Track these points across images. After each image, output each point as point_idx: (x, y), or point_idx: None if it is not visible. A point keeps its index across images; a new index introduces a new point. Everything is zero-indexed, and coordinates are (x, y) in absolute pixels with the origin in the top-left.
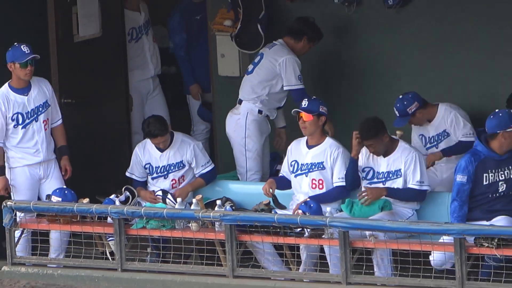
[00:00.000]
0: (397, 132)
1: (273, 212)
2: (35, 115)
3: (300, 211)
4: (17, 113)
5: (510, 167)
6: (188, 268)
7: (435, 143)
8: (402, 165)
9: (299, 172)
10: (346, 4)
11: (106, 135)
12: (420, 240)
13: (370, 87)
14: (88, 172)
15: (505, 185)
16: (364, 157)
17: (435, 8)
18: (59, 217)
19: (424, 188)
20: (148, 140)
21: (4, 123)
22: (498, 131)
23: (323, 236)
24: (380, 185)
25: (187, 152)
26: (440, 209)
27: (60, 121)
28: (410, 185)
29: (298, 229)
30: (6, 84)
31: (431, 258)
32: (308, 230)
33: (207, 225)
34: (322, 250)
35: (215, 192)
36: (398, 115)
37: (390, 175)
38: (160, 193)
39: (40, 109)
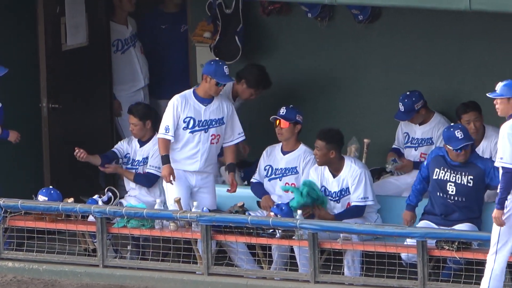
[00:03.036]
0: (365, 140)
1: (246, 214)
2: (206, 127)
3: (272, 213)
4: (191, 117)
5: (463, 174)
6: (165, 265)
7: (416, 145)
8: (349, 183)
9: (273, 176)
10: (318, 19)
11: (90, 138)
12: (385, 242)
13: (342, 96)
14: (73, 173)
15: (454, 188)
16: (318, 178)
17: (401, 24)
18: (45, 215)
19: (368, 203)
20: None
21: (177, 121)
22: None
23: (294, 237)
24: (335, 203)
25: (151, 149)
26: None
27: (234, 141)
28: (354, 202)
29: (270, 230)
30: (192, 89)
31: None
32: (280, 231)
33: (185, 225)
34: (292, 250)
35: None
36: (403, 110)
37: (343, 192)
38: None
39: (213, 123)
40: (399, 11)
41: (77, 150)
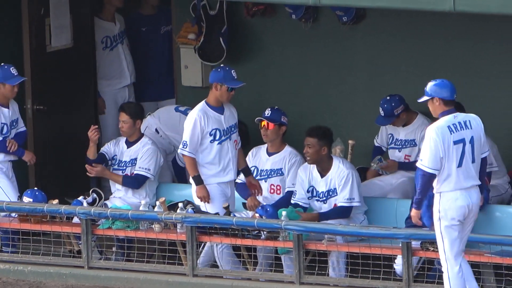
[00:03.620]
0: (350, 141)
1: (231, 215)
2: (229, 134)
3: (257, 215)
4: (216, 128)
5: None
6: (150, 267)
7: (400, 146)
8: (337, 184)
9: (258, 177)
10: (303, 20)
11: (75, 140)
12: (370, 243)
13: (326, 98)
14: (58, 175)
15: None
16: (306, 177)
17: (386, 25)
18: (30, 216)
19: (354, 204)
20: (121, 137)
21: (200, 137)
22: None
23: (279, 238)
24: (322, 203)
25: (141, 150)
26: (389, 214)
27: (239, 144)
28: (339, 203)
29: (255, 232)
30: (204, 102)
31: (395, 266)
32: (265, 232)
33: (169, 227)
34: (277, 251)
35: (177, 195)
36: (383, 114)
37: (330, 193)
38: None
39: (232, 129)
40: (383, 12)
41: (93, 128)
